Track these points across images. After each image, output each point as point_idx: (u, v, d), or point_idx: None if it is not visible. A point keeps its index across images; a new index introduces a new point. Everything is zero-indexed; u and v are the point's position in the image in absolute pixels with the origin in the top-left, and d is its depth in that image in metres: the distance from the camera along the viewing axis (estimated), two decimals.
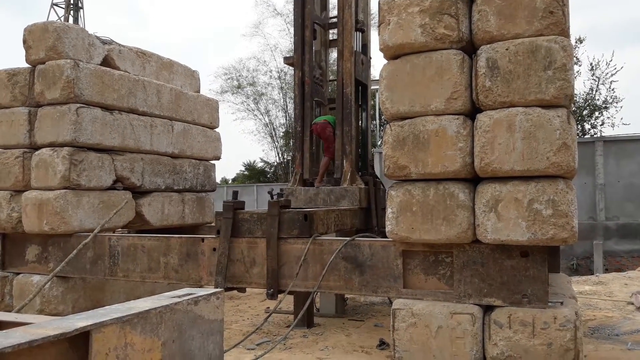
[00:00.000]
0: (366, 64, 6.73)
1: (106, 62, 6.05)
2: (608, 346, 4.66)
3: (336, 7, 6.50)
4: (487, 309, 3.70)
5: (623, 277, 8.63)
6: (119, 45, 6.31)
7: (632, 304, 6.38)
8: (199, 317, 2.01)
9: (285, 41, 28.22)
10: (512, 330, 3.53)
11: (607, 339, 4.91)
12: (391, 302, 4.27)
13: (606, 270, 12.16)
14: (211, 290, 2.11)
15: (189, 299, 1.99)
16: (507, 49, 3.56)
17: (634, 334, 5.02)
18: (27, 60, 5.74)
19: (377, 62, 23.15)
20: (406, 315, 3.79)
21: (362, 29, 6.61)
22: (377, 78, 4.29)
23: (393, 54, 3.97)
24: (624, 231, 12.99)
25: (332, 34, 7.31)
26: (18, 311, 4.40)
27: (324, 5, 7.08)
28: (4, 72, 5.88)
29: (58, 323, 1.63)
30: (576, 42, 21.20)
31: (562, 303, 3.60)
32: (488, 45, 3.65)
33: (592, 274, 11.28)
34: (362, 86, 6.68)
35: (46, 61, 5.55)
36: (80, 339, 1.59)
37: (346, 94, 6.20)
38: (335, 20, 6.81)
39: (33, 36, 5.62)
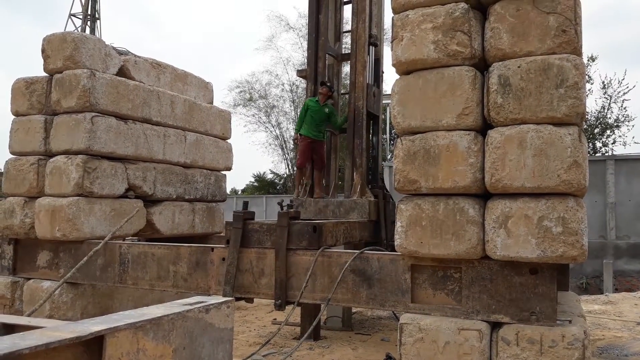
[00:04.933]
0: (377, 96, 6.76)
1: (122, 72, 6.15)
2: None
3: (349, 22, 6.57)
4: (495, 326, 3.68)
5: (633, 297, 8.53)
6: (135, 56, 6.41)
7: None
8: (209, 325, 2.03)
9: (298, 54, 28.39)
10: (519, 348, 3.51)
11: None
12: (397, 317, 4.26)
13: (616, 290, 12.03)
14: (222, 298, 2.13)
15: (200, 307, 2.01)
16: (519, 67, 3.58)
17: None
18: (45, 69, 5.84)
19: (389, 77, 23.26)
20: (413, 330, 3.79)
21: (375, 43, 6.67)
22: (389, 93, 4.32)
23: (405, 69, 4.01)
24: (634, 251, 12.86)
25: (345, 64, 7.36)
26: (29, 316, 4.44)
27: (338, 37, 7.14)
28: (22, 80, 5.99)
29: (73, 327, 1.66)
30: (588, 60, 21.20)
31: (570, 321, 3.58)
32: (500, 63, 3.68)
33: (602, 293, 11.14)
34: (373, 118, 6.70)
35: (63, 70, 5.65)
36: (95, 343, 1.62)
37: (358, 107, 6.25)
38: (348, 51, 6.83)
39: (51, 46, 5.73)
